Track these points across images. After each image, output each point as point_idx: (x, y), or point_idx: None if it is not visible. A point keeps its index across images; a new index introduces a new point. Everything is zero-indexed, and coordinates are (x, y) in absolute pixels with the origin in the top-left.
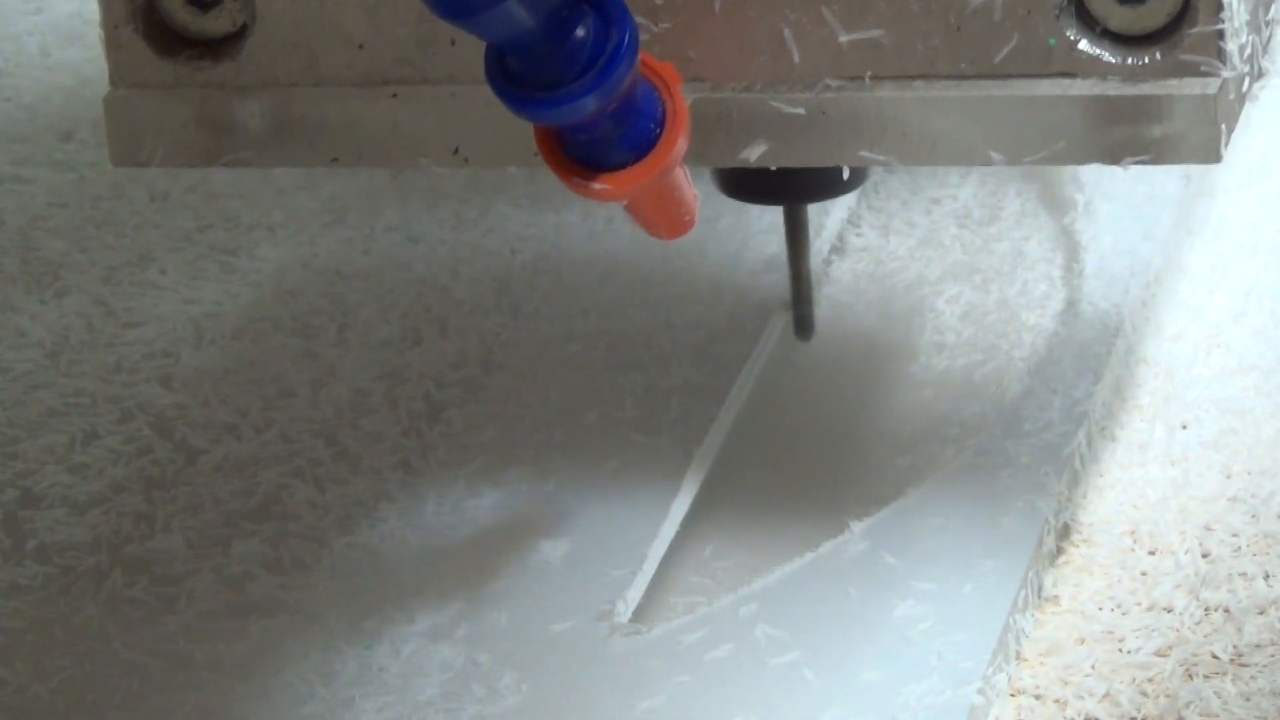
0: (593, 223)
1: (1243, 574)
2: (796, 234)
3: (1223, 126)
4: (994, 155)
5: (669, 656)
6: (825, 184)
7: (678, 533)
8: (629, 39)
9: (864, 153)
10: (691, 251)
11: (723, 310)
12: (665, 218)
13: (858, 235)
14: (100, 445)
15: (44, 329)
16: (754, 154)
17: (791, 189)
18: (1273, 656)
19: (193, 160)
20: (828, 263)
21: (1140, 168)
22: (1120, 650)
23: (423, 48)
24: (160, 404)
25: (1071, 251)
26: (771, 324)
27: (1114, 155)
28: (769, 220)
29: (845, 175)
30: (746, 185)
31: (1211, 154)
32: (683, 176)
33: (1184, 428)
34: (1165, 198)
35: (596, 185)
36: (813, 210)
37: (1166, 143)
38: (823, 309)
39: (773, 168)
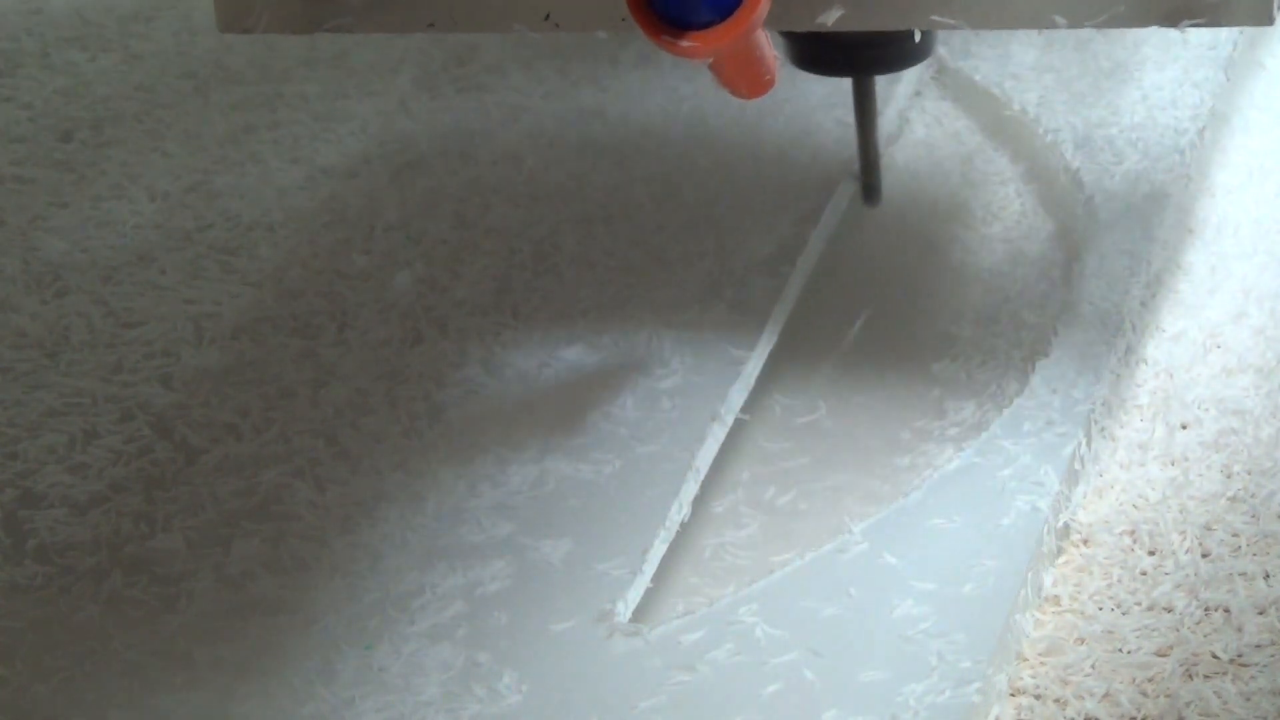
0: (591, 222)
1: (1243, 574)
2: (864, 105)
3: None
4: (1058, 19)
5: (669, 656)
6: (891, 57)
7: (678, 533)
8: None
9: (935, 17)
10: (694, 253)
11: (719, 309)
12: (746, 76)
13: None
14: (100, 445)
15: (44, 329)
16: (830, 18)
17: (859, 61)
18: (1273, 656)
19: (296, 27)
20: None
21: (1140, 166)
22: (1120, 650)
23: None
24: (160, 404)
25: (1071, 251)
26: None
27: (1171, 18)
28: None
29: (915, 40)
30: (817, 58)
31: (1263, 17)
32: (764, 38)
33: (1184, 428)
34: (1165, 198)
35: (684, 43)
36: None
37: (1221, 6)
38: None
39: (851, 29)
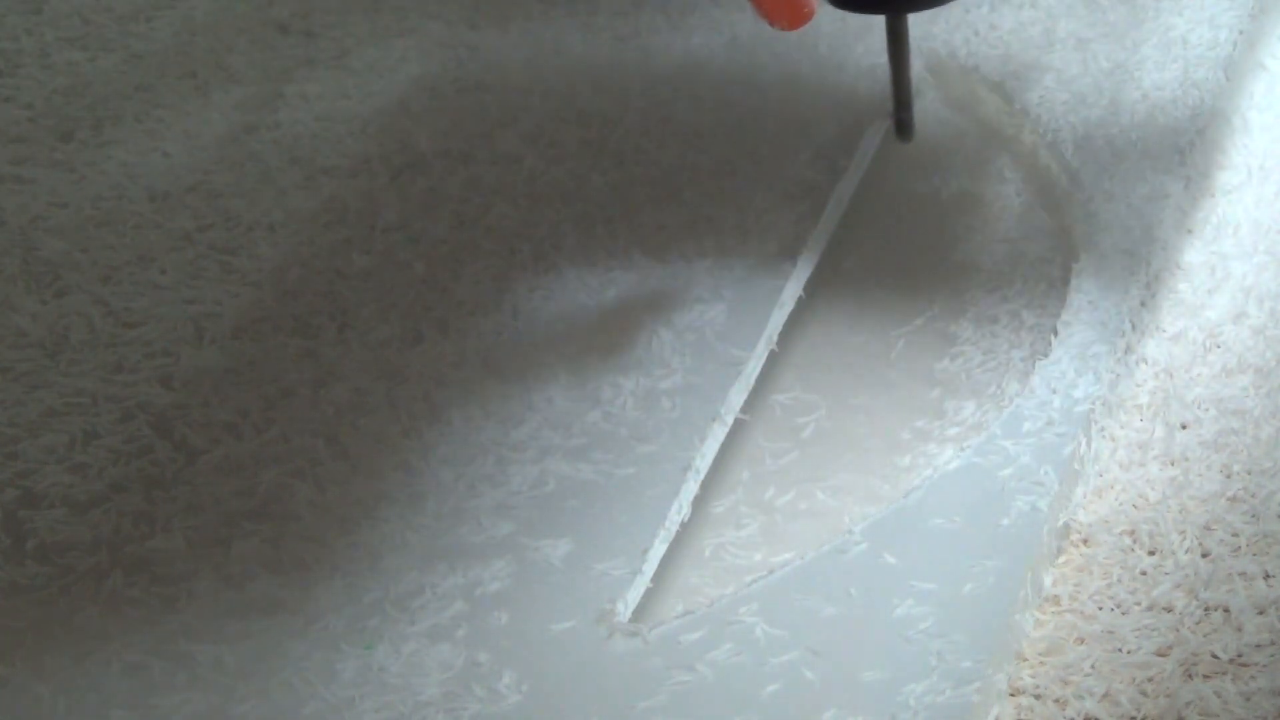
0: (591, 222)
1: (1243, 574)
2: (898, 43)
3: None
4: None
5: (669, 656)
6: None
7: (678, 533)
8: None
9: None
10: (693, 253)
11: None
12: (787, 7)
13: None
14: (100, 445)
15: (44, 329)
16: None
17: None
18: (1273, 656)
19: None
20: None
21: (1140, 166)
22: (1120, 650)
23: None
24: (160, 404)
25: (1071, 251)
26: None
27: None
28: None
29: None
30: None
31: None
32: None
33: (1184, 428)
34: (1165, 198)
35: None
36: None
37: None
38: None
39: None
